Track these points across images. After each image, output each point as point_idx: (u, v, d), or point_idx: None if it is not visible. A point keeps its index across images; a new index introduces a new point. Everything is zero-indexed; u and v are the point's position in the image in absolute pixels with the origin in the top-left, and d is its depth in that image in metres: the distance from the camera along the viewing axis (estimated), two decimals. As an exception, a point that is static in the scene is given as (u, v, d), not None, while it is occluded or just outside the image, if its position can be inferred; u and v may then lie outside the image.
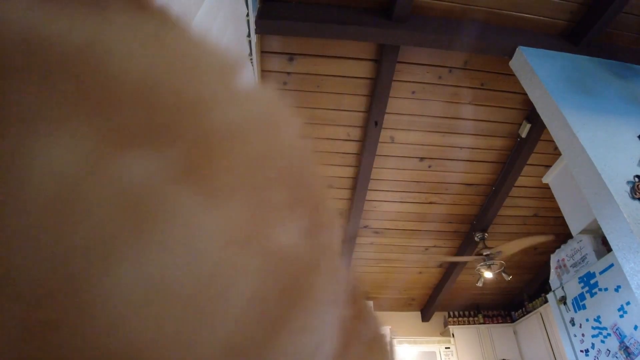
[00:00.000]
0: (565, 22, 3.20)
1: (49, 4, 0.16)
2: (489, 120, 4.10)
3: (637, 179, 2.32)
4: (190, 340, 0.14)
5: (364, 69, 3.56)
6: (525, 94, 3.03)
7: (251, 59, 2.77)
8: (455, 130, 4.16)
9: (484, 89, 3.77)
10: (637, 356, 3.24)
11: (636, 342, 3.27)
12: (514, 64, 3.10)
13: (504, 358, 5.80)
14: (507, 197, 4.92)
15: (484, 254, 5.18)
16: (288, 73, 3.52)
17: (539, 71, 2.86)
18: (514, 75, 3.13)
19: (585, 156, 2.44)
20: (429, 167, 4.53)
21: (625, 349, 3.36)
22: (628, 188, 2.30)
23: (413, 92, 3.80)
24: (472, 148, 4.42)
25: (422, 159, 4.46)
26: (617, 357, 3.44)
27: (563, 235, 4.63)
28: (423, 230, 5.51)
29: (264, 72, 3.48)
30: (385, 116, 3.88)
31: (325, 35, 3.12)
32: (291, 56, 3.40)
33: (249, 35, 2.61)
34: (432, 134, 4.15)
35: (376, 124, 3.84)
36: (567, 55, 3.08)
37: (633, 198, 2.26)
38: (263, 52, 3.37)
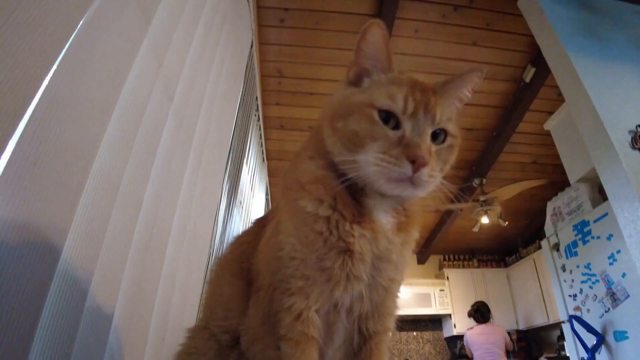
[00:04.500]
0: (580, -42, 3.01)
1: None
2: (492, 63, 3.96)
3: (639, 129, 2.26)
4: None
5: (365, 5, 3.40)
6: (532, 36, 2.91)
7: (247, -6, 2.64)
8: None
9: (489, 29, 3.62)
10: (622, 302, 3.33)
11: (623, 289, 3.34)
12: (522, 3, 2.94)
13: (480, 300, 5.96)
14: (508, 143, 4.88)
15: (481, 199, 5.20)
16: (285, 9, 3.36)
17: (548, 12, 2.72)
18: (521, 15, 2.98)
19: (589, 103, 2.38)
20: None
21: (612, 295, 3.44)
22: (629, 138, 2.25)
23: (416, 31, 3.65)
24: (474, 92, 4.30)
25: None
26: (603, 302, 3.54)
27: (561, 183, 4.63)
28: (421, 175, 5.50)
29: (260, 9, 3.32)
30: (387, 56, 3.74)
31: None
32: (289, -9, 3.24)
33: (244, -32, 2.47)
34: (435, 76, 3.97)
35: (377, 64, 3.71)
36: (579, -4, 2.92)
37: (633, 148, 2.22)
38: (259, -13, 3.21)
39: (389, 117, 0.75)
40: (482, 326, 5.54)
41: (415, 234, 0.86)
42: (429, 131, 0.76)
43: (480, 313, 5.62)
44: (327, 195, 0.78)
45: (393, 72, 0.83)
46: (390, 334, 0.89)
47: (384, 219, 0.80)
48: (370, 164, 0.72)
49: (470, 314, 5.77)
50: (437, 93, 0.80)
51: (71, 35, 0.76)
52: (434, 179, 0.73)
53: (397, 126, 0.75)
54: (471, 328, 5.64)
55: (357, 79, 0.84)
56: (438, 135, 0.78)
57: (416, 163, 0.69)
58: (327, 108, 0.86)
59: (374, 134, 0.74)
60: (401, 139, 0.73)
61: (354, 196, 0.79)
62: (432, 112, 0.76)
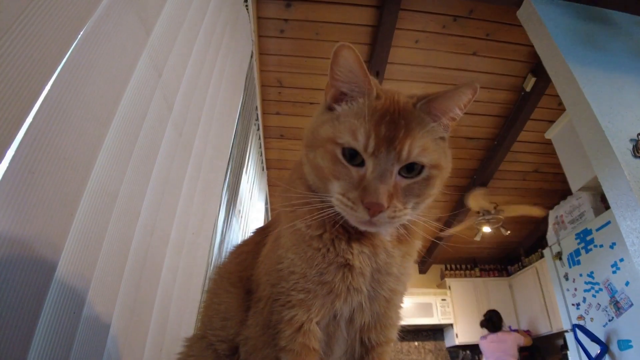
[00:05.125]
0: (578, -32, 3.02)
1: None
2: (492, 73, 3.98)
3: (640, 137, 2.26)
4: None
5: (365, 16, 3.42)
6: (532, 46, 2.91)
7: (247, 6, 2.65)
8: (458, 82, 4.03)
9: (489, 39, 3.63)
10: (626, 310, 3.30)
11: (626, 297, 3.32)
12: (522, 13, 2.95)
13: (493, 309, 5.95)
14: (509, 152, 4.88)
15: (482, 210, 5.20)
16: (285, 20, 3.38)
17: (547, 22, 2.73)
18: (520, 25, 2.98)
19: (589, 112, 2.37)
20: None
21: (616, 304, 3.42)
22: (631, 146, 2.24)
23: (416, 42, 3.67)
24: (475, 101, 4.24)
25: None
26: (606, 311, 3.51)
27: (562, 191, 4.62)
28: (422, 184, 5.49)
29: (260, 20, 3.35)
30: (387, 66, 3.76)
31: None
32: (288, 2, 3.25)
33: (244, -20, 2.49)
34: (435, 86, 4.01)
35: (377, 74, 3.72)
36: (578, 6, 2.92)
37: (635, 156, 2.21)
38: (259, -2, 3.23)
39: (355, 152, 0.72)
40: (494, 335, 5.59)
41: (417, 244, 0.87)
42: (394, 169, 0.71)
43: (492, 322, 5.67)
44: (316, 220, 0.78)
45: (372, 92, 0.77)
46: (393, 344, 0.89)
47: (384, 231, 0.80)
48: (334, 201, 0.72)
49: (482, 324, 5.81)
50: (413, 119, 0.75)
51: (71, 46, 0.77)
52: (398, 218, 0.70)
53: (363, 162, 0.72)
54: (484, 336, 5.69)
55: (334, 102, 0.80)
56: (412, 167, 0.73)
57: (370, 210, 0.68)
58: (305, 132, 0.84)
59: (336, 173, 0.73)
60: (362, 179, 0.71)
61: None
62: (398, 147, 0.71)
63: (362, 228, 0.74)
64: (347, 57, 0.75)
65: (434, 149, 0.75)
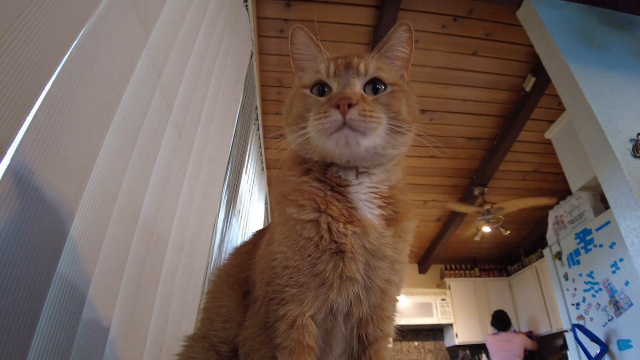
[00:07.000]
0: (578, -32, 3.02)
1: None
2: (492, 73, 3.98)
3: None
4: None
5: (365, 16, 3.42)
6: (531, 46, 2.91)
7: (246, 5, 2.65)
8: (457, 82, 4.05)
9: (488, 39, 3.63)
10: (625, 310, 3.30)
11: (626, 297, 3.32)
12: (522, 13, 2.95)
13: (500, 309, 5.98)
14: (509, 152, 4.88)
15: (485, 208, 5.20)
16: (285, 20, 3.38)
17: (547, 22, 2.72)
18: (520, 25, 2.98)
19: (589, 112, 2.37)
20: (431, 120, 4.45)
21: (615, 304, 3.41)
22: (630, 146, 2.24)
23: (416, 42, 3.64)
24: (475, 101, 4.32)
25: (423, 111, 4.36)
26: (606, 311, 3.51)
27: (562, 191, 4.62)
28: (422, 184, 5.50)
29: (259, 19, 3.34)
30: (387, 67, 3.76)
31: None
32: (288, 2, 3.25)
33: (244, -21, 2.48)
34: (435, 86, 4.05)
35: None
36: (578, 6, 2.92)
37: (635, 156, 2.21)
38: (259, -2, 3.23)
39: (322, 89, 0.84)
40: (502, 334, 5.70)
41: (408, 225, 0.86)
42: (357, 82, 0.82)
43: (501, 321, 5.78)
44: (308, 200, 0.79)
45: (325, 53, 0.90)
46: (391, 340, 0.88)
47: (370, 215, 0.81)
48: (310, 128, 0.78)
49: (492, 322, 5.91)
50: (365, 55, 0.86)
51: (71, 45, 0.77)
52: (372, 119, 0.76)
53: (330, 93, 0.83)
54: (494, 334, 5.79)
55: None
56: (377, 88, 0.83)
57: (341, 106, 0.74)
58: (283, 111, 0.95)
59: (308, 106, 0.83)
60: (330, 97, 0.80)
61: (340, 192, 0.81)
62: (355, 66, 0.82)
63: (342, 144, 0.77)
64: (301, 36, 0.92)
65: (390, 70, 0.87)
